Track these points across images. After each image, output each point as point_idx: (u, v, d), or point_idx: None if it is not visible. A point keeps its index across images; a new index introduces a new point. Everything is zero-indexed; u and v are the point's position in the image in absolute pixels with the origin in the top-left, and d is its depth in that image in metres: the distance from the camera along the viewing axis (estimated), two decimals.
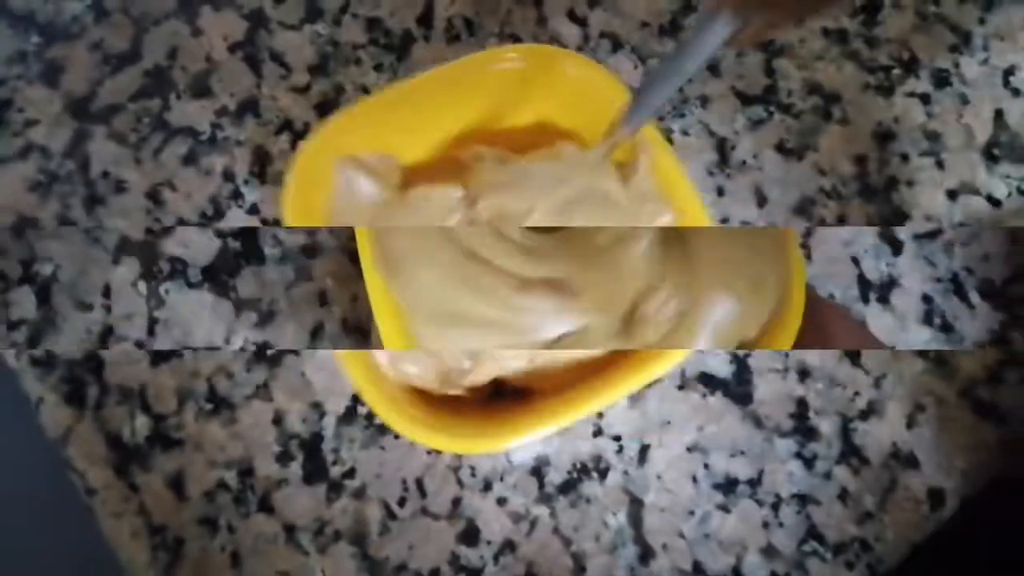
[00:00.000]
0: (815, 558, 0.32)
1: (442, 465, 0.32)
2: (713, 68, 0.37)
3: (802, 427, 0.33)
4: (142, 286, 0.34)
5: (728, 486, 0.32)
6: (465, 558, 0.32)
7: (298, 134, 0.36)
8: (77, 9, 0.37)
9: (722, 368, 0.33)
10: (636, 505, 0.32)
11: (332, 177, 0.28)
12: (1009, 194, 0.36)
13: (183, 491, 0.32)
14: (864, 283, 0.34)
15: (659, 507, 0.32)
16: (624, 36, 0.38)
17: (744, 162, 0.36)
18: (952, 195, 0.36)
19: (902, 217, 0.35)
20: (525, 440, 0.25)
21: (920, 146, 0.36)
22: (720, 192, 0.35)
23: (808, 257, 0.35)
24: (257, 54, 0.37)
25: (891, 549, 0.32)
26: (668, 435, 0.33)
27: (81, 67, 0.36)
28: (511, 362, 0.27)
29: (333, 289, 0.34)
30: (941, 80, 0.37)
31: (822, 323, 0.27)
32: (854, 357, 0.34)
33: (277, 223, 0.34)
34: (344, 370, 0.26)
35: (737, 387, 0.33)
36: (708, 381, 0.33)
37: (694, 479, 0.32)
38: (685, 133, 0.36)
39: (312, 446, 0.32)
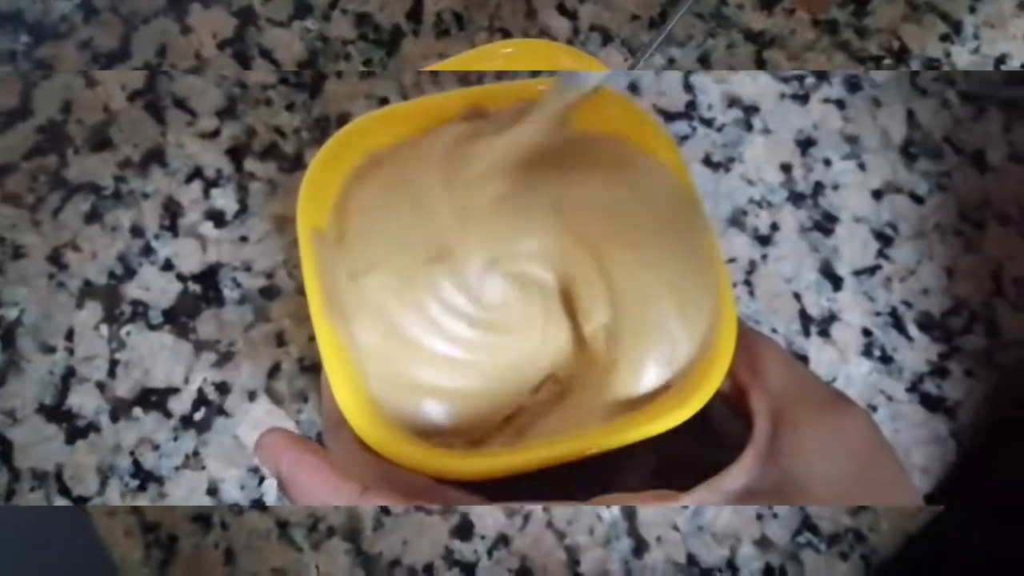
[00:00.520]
0: (809, 549, 0.32)
1: None
2: (633, 87, 0.37)
3: None
4: (104, 329, 0.32)
5: None
6: (459, 553, 0.31)
7: (209, 182, 0.34)
8: None
9: None
10: None
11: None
12: (930, 190, 0.37)
13: None
14: (806, 318, 0.34)
15: None
16: (614, 29, 0.38)
17: None
18: (877, 195, 0.36)
19: (831, 220, 0.36)
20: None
21: (841, 149, 0.37)
22: None
23: (751, 294, 0.34)
24: (159, 101, 0.35)
25: (886, 540, 0.32)
26: None
27: None
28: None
29: (290, 330, 0.32)
30: (853, 86, 0.38)
31: (753, 356, 0.27)
32: (804, 361, 0.33)
33: (196, 277, 0.32)
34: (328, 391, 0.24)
35: None
36: None
37: None
38: None
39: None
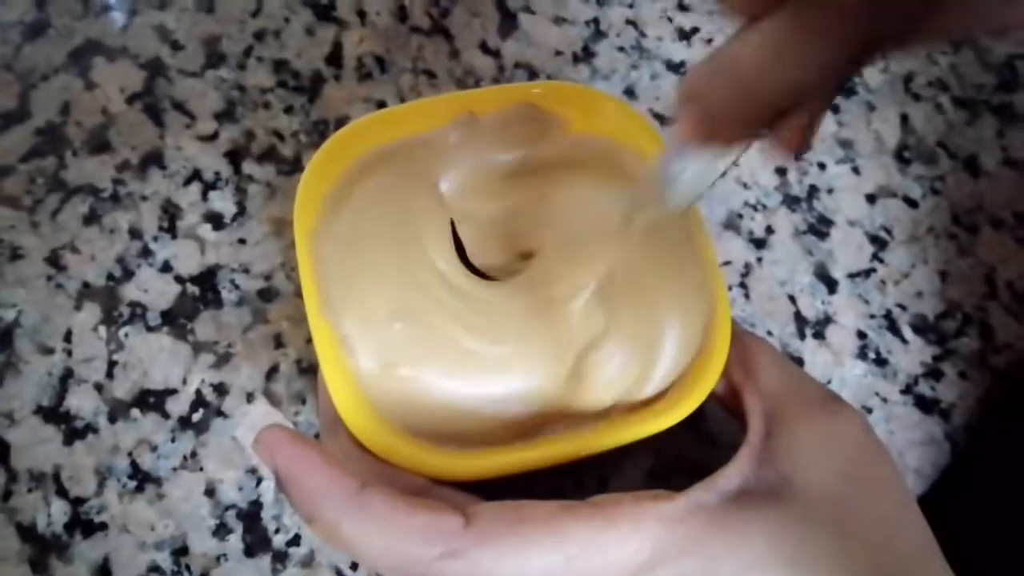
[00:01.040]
0: None
1: None
2: (630, 91, 0.38)
3: None
4: (102, 330, 0.32)
5: None
6: None
7: (208, 184, 0.34)
8: None
9: None
10: None
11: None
12: (924, 195, 0.37)
13: None
14: (801, 320, 0.35)
15: None
16: (539, 65, 0.38)
17: None
18: (871, 199, 0.37)
19: (826, 223, 0.36)
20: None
21: (835, 154, 0.37)
22: None
23: (746, 296, 0.35)
24: (158, 104, 0.35)
25: None
26: None
27: None
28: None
29: (288, 332, 0.32)
30: (847, 91, 0.38)
31: (747, 357, 0.27)
32: (799, 364, 0.34)
33: (194, 279, 0.32)
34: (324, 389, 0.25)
35: None
36: None
37: None
38: None
39: (251, 515, 0.30)
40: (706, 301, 0.27)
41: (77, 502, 0.29)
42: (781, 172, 0.37)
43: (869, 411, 0.33)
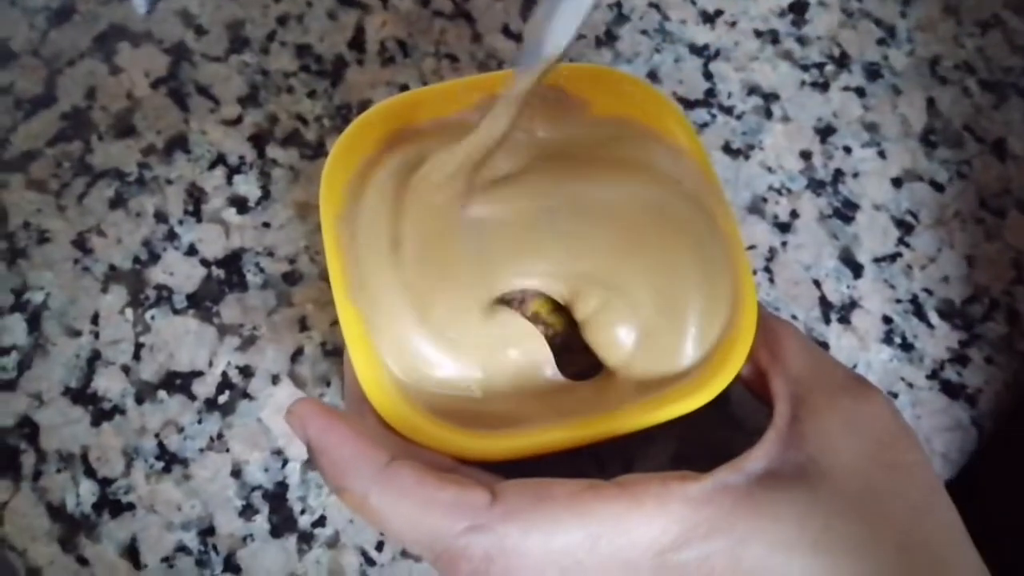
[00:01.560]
0: None
1: None
2: (652, 75, 0.37)
3: None
4: (129, 313, 0.32)
5: None
6: None
7: (232, 168, 0.34)
8: None
9: None
10: None
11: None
12: (950, 178, 0.37)
13: (139, 560, 0.29)
14: (826, 305, 0.34)
15: None
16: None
17: None
18: (897, 183, 0.36)
19: (851, 207, 0.36)
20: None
21: (861, 137, 0.37)
22: None
23: (771, 280, 0.34)
24: (182, 88, 0.35)
25: None
26: None
27: None
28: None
29: (312, 315, 0.32)
30: (873, 74, 0.38)
31: (773, 340, 0.27)
32: (824, 348, 0.33)
33: (219, 262, 0.32)
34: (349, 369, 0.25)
35: None
36: None
37: None
38: None
39: (277, 496, 0.30)
40: (731, 283, 0.26)
41: (105, 482, 0.30)
42: (806, 156, 0.36)
43: (895, 396, 0.33)
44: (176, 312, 0.32)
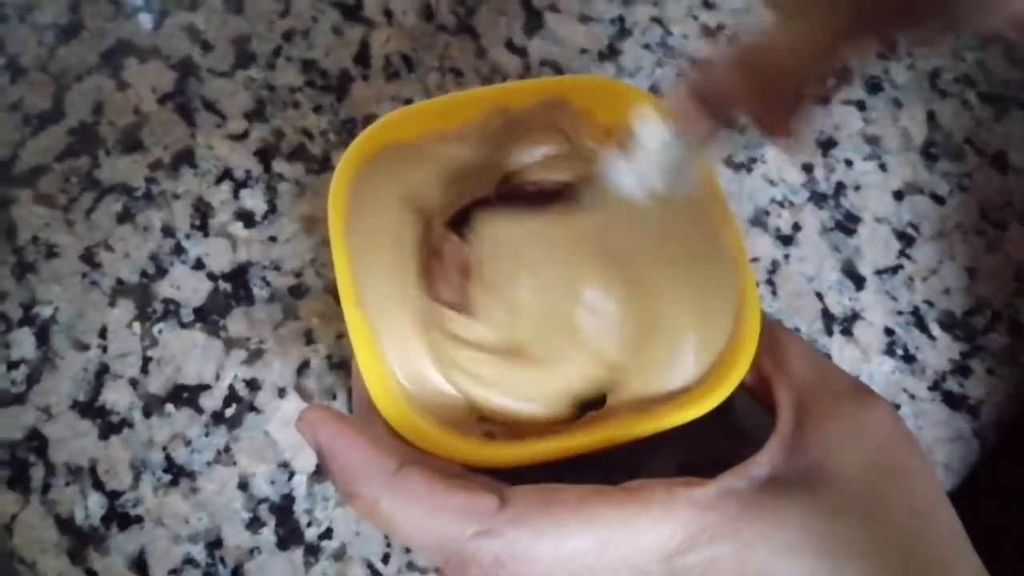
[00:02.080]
0: None
1: None
2: (655, 89, 0.38)
3: None
4: (137, 326, 0.32)
5: None
6: None
7: (239, 183, 0.34)
8: None
9: None
10: None
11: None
12: (951, 191, 0.37)
13: (147, 572, 0.29)
14: (828, 317, 0.35)
15: None
16: (564, 63, 0.38)
17: None
18: (898, 196, 0.37)
19: (853, 220, 0.36)
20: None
21: (862, 151, 0.37)
22: None
23: (773, 293, 0.35)
24: (189, 103, 0.35)
25: None
26: None
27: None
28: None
29: (319, 328, 0.32)
30: (874, 87, 0.38)
31: (777, 347, 0.27)
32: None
33: (226, 276, 0.33)
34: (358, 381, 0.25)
35: None
36: None
37: None
38: None
39: (284, 509, 0.30)
40: (734, 292, 0.27)
41: (113, 495, 0.30)
42: (808, 169, 0.37)
43: (897, 407, 0.33)
44: (183, 326, 0.32)
